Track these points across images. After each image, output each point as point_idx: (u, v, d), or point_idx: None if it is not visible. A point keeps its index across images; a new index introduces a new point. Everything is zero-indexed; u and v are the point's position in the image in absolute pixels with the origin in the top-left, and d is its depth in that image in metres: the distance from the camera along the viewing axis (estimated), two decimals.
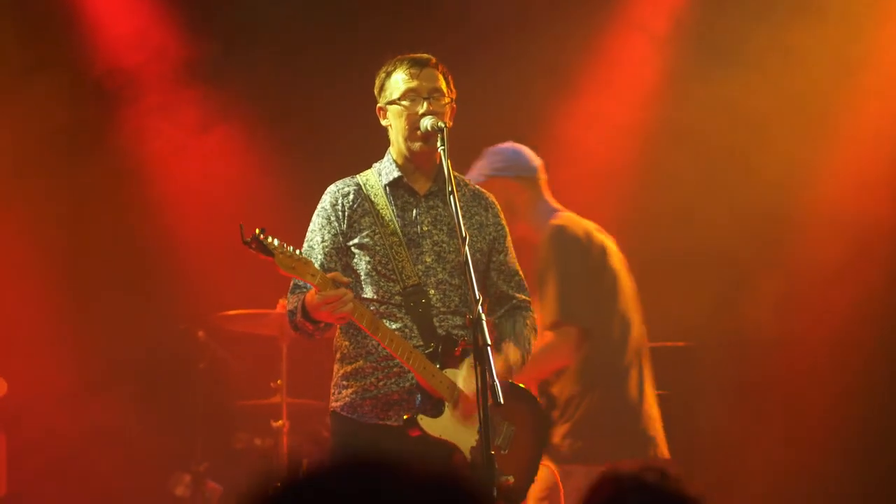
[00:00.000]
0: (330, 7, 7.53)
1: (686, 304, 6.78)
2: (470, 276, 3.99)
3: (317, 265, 4.18)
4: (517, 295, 4.54)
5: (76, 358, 7.11)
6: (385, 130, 4.48)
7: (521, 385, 4.52)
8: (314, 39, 7.44)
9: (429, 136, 4.30)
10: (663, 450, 5.33)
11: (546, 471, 5.21)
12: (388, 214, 4.36)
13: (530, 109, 7.37)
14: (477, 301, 3.93)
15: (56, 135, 7.17)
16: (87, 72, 7.31)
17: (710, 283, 6.96)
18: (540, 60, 7.35)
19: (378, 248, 4.32)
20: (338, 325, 4.35)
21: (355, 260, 4.34)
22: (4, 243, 7.08)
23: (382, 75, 4.44)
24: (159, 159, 7.43)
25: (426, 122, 4.28)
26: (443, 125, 4.24)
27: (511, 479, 4.20)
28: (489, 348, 3.87)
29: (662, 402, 5.56)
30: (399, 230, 4.35)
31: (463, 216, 4.23)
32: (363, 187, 4.41)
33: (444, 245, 4.38)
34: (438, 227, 4.39)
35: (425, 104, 4.32)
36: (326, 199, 4.41)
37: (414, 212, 4.40)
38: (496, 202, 4.60)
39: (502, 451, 4.29)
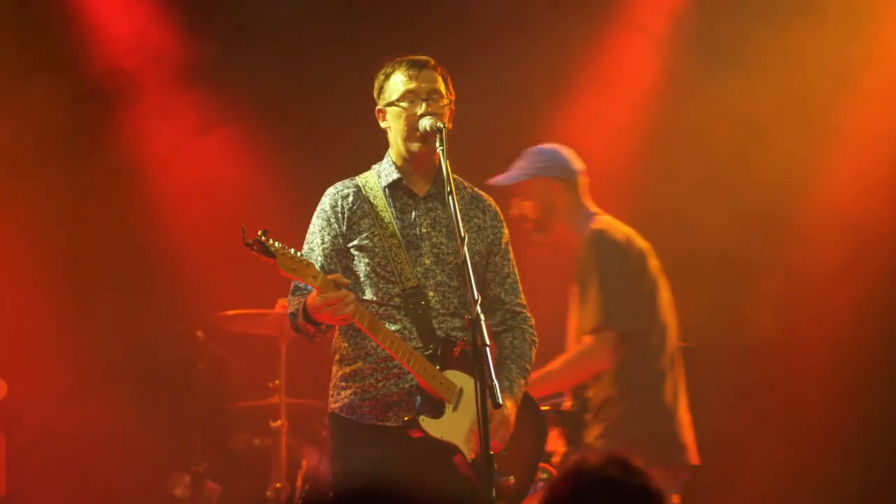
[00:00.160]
0: (329, 8, 7.53)
1: (686, 305, 6.76)
2: (468, 276, 3.99)
3: (317, 267, 4.17)
4: (511, 298, 4.51)
5: (75, 358, 7.11)
6: (384, 132, 4.48)
7: None
8: (314, 40, 7.44)
9: (427, 137, 4.30)
10: (693, 456, 5.32)
11: None
12: (388, 216, 4.36)
13: (530, 110, 7.38)
14: (475, 301, 3.93)
15: (56, 135, 7.18)
16: (87, 72, 7.31)
17: (709, 283, 6.96)
18: (540, 61, 7.35)
19: (377, 249, 4.32)
20: (337, 327, 4.35)
21: (355, 262, 4.34)
22: (4, 244, 7.08)
23: (381, 77, 4.44)
24: (159, 160, 7.44)
25: (425, 123, 4.28)
26: (441, 126, 4.24)
27: (511, 480, 4.21)
28: (487, 348, 3.87)
29: None
30: (398, 232, 4.35)
31: (461, 218, 4.23)
32: (362, 189, 4.41)
33: (442, 247, 4.37)
34: (437, 228, 4.39)
35: (424, 105, 4.32)
36: (326, 201, 4.41)
37: (413, 214, 4.40)
38: (495, 205, 4.60)
39: (503, 453, 4.29)
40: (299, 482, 6.71)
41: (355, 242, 4.34)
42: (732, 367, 7.03)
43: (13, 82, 7.06)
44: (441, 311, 4.31)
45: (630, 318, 5.28)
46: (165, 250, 7.39)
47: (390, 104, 4.38)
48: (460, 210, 4.31)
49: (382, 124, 4.45)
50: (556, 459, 5.43)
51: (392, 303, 4.30)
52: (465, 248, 4.03)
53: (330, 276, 4.06)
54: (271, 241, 3.94)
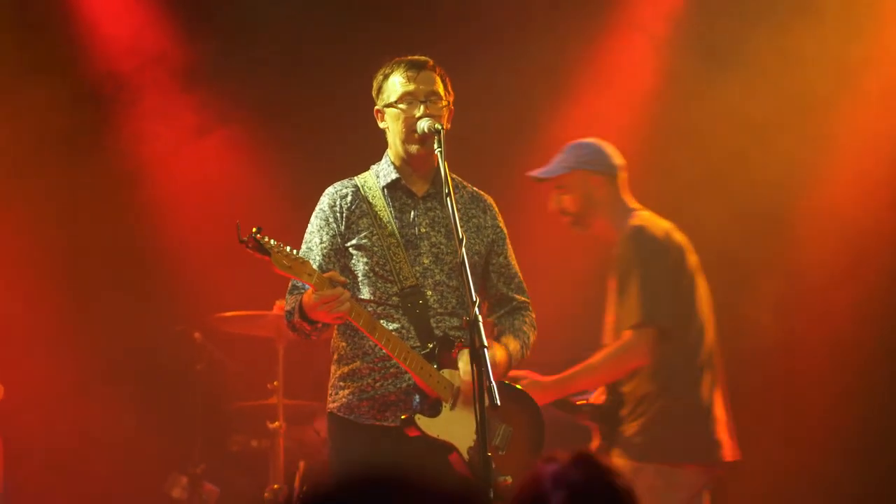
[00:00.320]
0: (329, 8, 7.52)
1: None
2: (466, 278, 3.98)
3: (315, 266, 4.17)
4: (517, 297, 4.54)
5: (73, 359, 7.10)
6: (383, 132, 4.47)
7: (519, 386, 4.52)
8: (313, 40, 7.44)
9: (425, 139, 4.30)
10: (728, 452, 5.31)
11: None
12: (386, 216, 4.36)
13: (530, 110, 7.37)
14: (473, 303, 3.92)
15: (55, 136, 7.17)
16: (86, 73, 7.31)
17: (709, 283, 6.94)
18: (539, 61, 7.35)
19: (376, 249, 4.32)
20: (335, 326, 4.34)
21: (353, 261, 4.34)
22: (3, 244, 7.07)
23: (380, 78, 4.44)
24: (157, 161, 7.44)
25: (423, 125, 4.29)
26: (439, 128, 4.25)
27: (509, 480, 4.20)
28: (486, 350, 3.86)
29: None
30: (397, 231, 4.35)
31: (461, 218, 4.23)
32: (361, 189, 4.41)
33: (441, 247, 4.37)
34: (436, 228, 4.39)
35: (422, 107, 4.32)
36: (325, 201, 4.41)
37: (412, 213, 4.40)
38: (494, 204, 4.59)
39: (500, 452, 4.29)
40: (297, 483, 6.70)
41: (354, 242, 4.34)
42: (732, 367, 7.00)
43: (13, 83, 7.06)
44: (439, 310, 4.31)
45: (669, 315, 5.27)
46: (164, 251, 7.39)
47: (389, 105, 4.39)
48: (460, 210, 4.32)
49: (381, 124, 4.46)
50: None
51: (390, 302, 4.30)
52: (463, 251, 4.02)
53: (326, 274, 4.06)
54: (266, 239, 3.94)
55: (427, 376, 4.18)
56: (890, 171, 6.90)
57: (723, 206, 7.02)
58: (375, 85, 4.46)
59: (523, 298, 4.57)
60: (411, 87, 4.35)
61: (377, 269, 4.31)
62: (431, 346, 4.23)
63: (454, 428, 4.20)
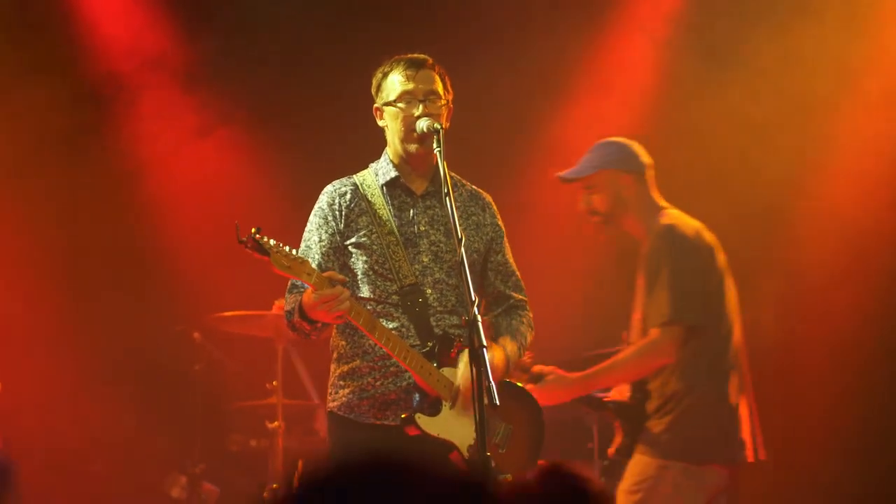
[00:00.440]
0: (329, 8, 7.52)
1: None
2: (466, 277, 3.98)
3: (314, 265, 4.17)
4: (515, 294, 4.54)
5: (73, 359, 7.10)
6: (382, 131, 4.47)
7: (519, 384, 4.51)
8: (313, 40, 7.44)
9: (424, 139, 4.29)
10: (751, 453, 5.31)
11: (640, 464, 5.21)
12: (385, 214, 4.35)
13: (530, 110, 7.37)
14: (473, 302, 3.91)
15: (55, 136, 7.17)
16: (86, 74, 7.31)
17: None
18: (539, 62, 7.34)
19: (375, 247, 4.31)
20: (334, 325, 4.33)
21: (352, 259, 4.33)
22: (2, 244, 7.07)
23: (379, 76, 4.43)
24: (157, 161, 7.44)
25: (422, 124, 4.28)
26: (438, 127, 4.24)
27: (509, 478, 4.20)
28: (485, 349, 3.85)
29: None
30: (396, 230, 4.34)
31: (460, 216, 4.23)
32: (360, 187, 4.40)
33: (441, 245, 4.37)
34: (435, 227, 4.38)
35: (421, 106, 4.31)
36: (323, 199, 4.41)
37: (411, 212, 4.39)
38: (493, 203, 4.59)
39: (500, 450, 4.28)
40: (296, 483, 6.70)
41: (353, 240, 4.33)
42: None
43: (13, 83, 7.06)
44: (439, 308, 4.31)
45: (697, 313, 5.26)
46: (163, 251, 7.39)
47: (388, 104, 4.38)
48: (459, 208, 4.31)
49: (380, 123, 4.45)
50: (611, 451, 5.43)
51: (390, 300, 4.29)
52: (463, 250, 4.01)
53: (325, 273, 4.05)
54: (265, 239, 3.93)
55: (427, 375, 4.18)
56: (890, 171, 6.90)
57: (723, 206, 7.01)
58: (374, 83, 4.45)
59: (520, 297, 4.56)
60: (410, 85, 4.34)
61: (376, 267, 4.31)
62: (431, 344, 4.23)
63: (454, 427, 4.19)
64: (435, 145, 4.21)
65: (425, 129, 4.27)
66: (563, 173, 5.61)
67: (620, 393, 5.47)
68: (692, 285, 5.29)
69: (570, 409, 6.55)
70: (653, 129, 7.15)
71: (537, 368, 5.26)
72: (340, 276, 4.09)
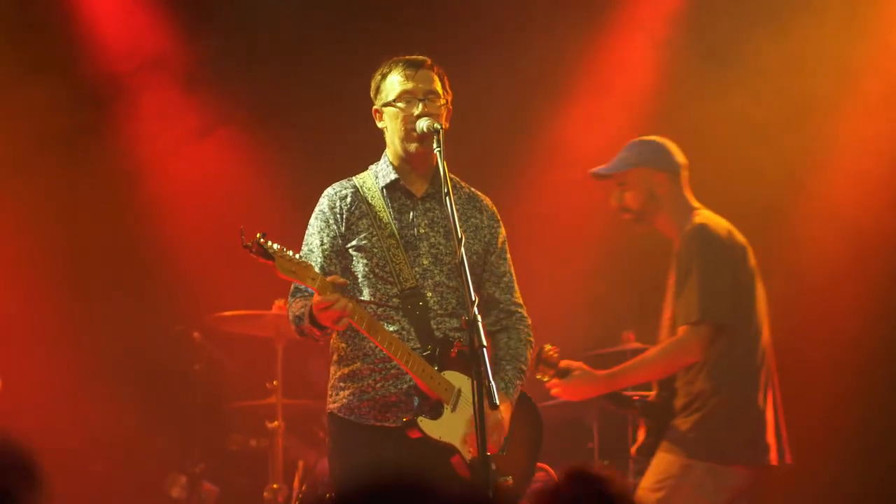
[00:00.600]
0: (329, 9, 7.51)
1: None
2: (466, 277, 3.98)
3: (317, 268, 4.16)
4: (504, 296, 4.49)
5: (73, 358, 7.09)
6: (382, 132, 4.46)
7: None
8: (313, 41, 7.44)
9: (424, 138, 4.29)
10: (773, 456, 5.30)
11: (664, 462, 5.21)
12: (386, 217, 4.35)
13: (529, 111, 7.37)
14: (473, 302, 3.91)
15: (55, 136, 7.17)
16: (86, 74, 7.30)
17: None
18: (539, 62, 7.34)
19: (376, 250, 4.31)
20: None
21: (353, 262, 4.33)
22: (2, 244, 7.07)
23: (378, 77, 4.43)
24: (157, 161, 7.44)
25: (422, 124, 4.27)
26: (438, 127, 4.24)
27: (510, 480, 4.20)
28: (485, 350, 3.85)
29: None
30: (396, 232, 4.34)
31: (459, 218, 4.22)
32: (360, 190, 4.40)
33: (440, 247, 4.36)
34: (435, 229, 4.38)
35: (421, 105, 4.31)
36: (324, 202, 4.40)
37: (411, 214, 4.39)
38: (492, 205, 4.58)
39: (500, 453, 4.27)
40: (296, 483, 6.71)
41: (354, 243, 4.33)
42: None
43: (13, 83, 7.05)
44: (439, 311, 4.30)
45: (726, 313, 5.27)
46: (163, 251, 7.39)
47: (387, 104, 4.37)
48: (457, 210, 4.30)
49: (379, 124, 4.45)
50: (634, 448, 5.44)
51: (390, 303, 4.28)
52: (462, 250, 4.01)
53: (328, 278, 4.04)
54: (270, 244, 3.93)
55: (428, 378, 4.17)
56: (890, 172, 6.90)
57: (723, 206, 6.99)
58: (374, 84, 4.45)
59: (513, 300, 4.51)
60: (410, 85, 4.34)
61: (377, 270, 4.31)
62: (432, 348, 4.22)
63: (455, 430, 4.19)
64: (435, 145, 4.21)
65: (425, 129, 4.26)
66: (596, 169, 5.62)
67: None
68: (721, 285, 5.29)
69: (570, 409, 6.56)
70: (653, 129, 7.13)
71: (564, 363, 5.27)
72: (342, 281, 4.08)
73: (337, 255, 4.33)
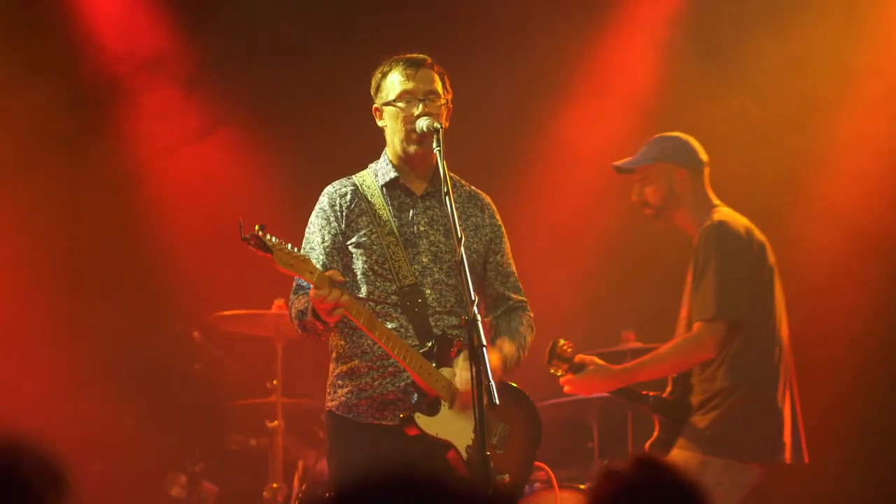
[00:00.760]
0: (329, 9, 7.51)
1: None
2: (465, 276, 3.98)
3: (318, 265, 4.16)
4: (513, 296, 4.53)
5: (73, 358, 7.09)
6: (382, 131, 4.46)
7: (514, 384, 4.50)
8: (313, 41, 7.43)
9: (424, 138, 4.29)
10: (788, 455, 5.30)
11: (681, 458, 5.21)
12: (385, 214, 4.35)
13: (529, 111, 7.37)
14: (472, 302, 3.91)
15: (54, 136, 7.17)
16: (86, 74, 7.30)
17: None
18: (539, 62, 7.34)
19: (375, 247, 4.31)
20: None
21: (353, 259, 4.33)
22: (2, 244, 7.07)
23: (378, 76, 4.43)
24: (157, 161, 7.44)
25: (422, 124, 4.27)
26: (438, 126, 4.24)
27: (507, 478, 4.20)
28: (484, 349, 3.85)
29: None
30: (396, 230, 4.34)
31: (459, 217, 4.22)
32: (360, 187, 4.40)
33: (440, 245, 4.37)
34: (435, 227, 4.38)
35: (421, 106, 4.30)
36: (325, 200, 4.40)
37: (411, 212, 4.39)
38: (492, 203, 4.59)
39: (497, 451, 4.28)
40: (296, 482, 6.71)
41: (354, 240, 4.33)
42: None
43: (13, 83, 7.06)
44: (438, 309, 4.31)
45: (741, 310, 5.26)
46: (163, 251, 7.39)
47: (387, 104, 4.37)
48: (458, 209, 4.30)
49: (379, 123, 4.45)
50: (648, 445, 5.45)
51: (389, 300, 4.28)
52: (462, 249, 4.01)
53: (327, 273, 4.04)
54: (268, 237, 3.92)
55: (426, 375, 4.18)
56: (891, 172, 6.90)
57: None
58: (374, 83, 4.45)
59: (520, 297, 4.55)
60: (410, 85, 4.34)
61: (376, 267, 4.31)
62: (430, 344, 4.22)
63: (453, 427, 4.19)
64: (435, 144, 4.21)
65: (425, 129, 4.26)
66: (618, 163, 5.62)
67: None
68: (738, 282, 5.28)
69: (570, 409, 6.56)
70: (653, 129, 7.14)
71: (579, 358, 5.27)
72: (341, 279, 4.07)
73: (338, 251, 4.33)
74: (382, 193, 4.40)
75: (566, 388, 5.32)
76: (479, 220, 4.50)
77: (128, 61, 7.37)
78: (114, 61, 7.35)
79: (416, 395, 4.21)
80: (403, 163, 4.40)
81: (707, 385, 5.29)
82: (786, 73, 7.03)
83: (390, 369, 4.25)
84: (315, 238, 4.36)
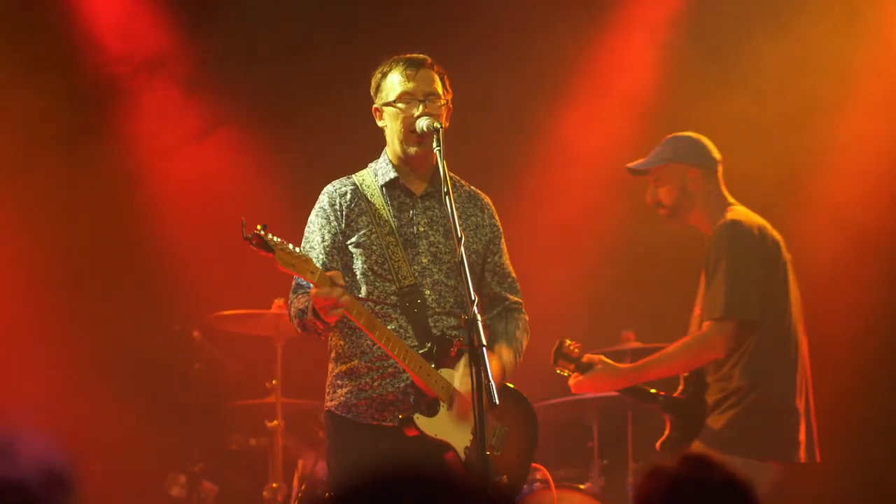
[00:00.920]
0: (329, 9, 7.51)
1: (686, 305, 6.76)
2: (465, 276, 3.98)
3: (319, 264, 4.16)
4: (510, 296, 4.52)
5: (72, 358, 7.09)
6: (381, 131, 4.46)
7: (511, 385, 4.50)
8: (313, 41, 7.43)
9: (424, 138, 4.29)
10: (802, 454, 5.30)
11: None
12: (385, 214, 4.35)
13: (529, 111, 7.36)
14: (472, 301, 3.91)
15: (54, 136, 7.17)
16: (86, 74, 7.30)
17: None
18: (539, 63, 7.34)
19: (375, 247, 4.31)
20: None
21: (352, 259, 4.33)
22: (2, 244, 7.07)
23: (378, 76, 4.43)
24: (157, 161, 7.43)
25: (422, 124, 4.27)
26: (438, 126, 4.24)
27: (505, 479, 4.20)
28: (484, 349, 3.85)
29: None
30: (395, 230, 4.34)
31: (458, 217, 4.22)
32: (360, 187, 4.40)
33: (440, 246, 4.37)
34: (434, 228, 4.38)
35: (421, 106, 4.31)
36: (324, 199, 4.40)
37: (410, 213, 4.39)
38: (492, 203, 4.59)
39: (495, 452, 4.28)
40: (296, 482, 6.70)
41: (353, 240, 4.33)
42: None
43: (12, 83, 7.05)
44: (437, 309, 4.31)
45: (751, 309, 5.24)
46: (163, 251, 7.38)
47: (387, 104, 4.37)
48: (457, 209, 4.30)
49: (379, 123, 4.45)
50: (658, 444, 5.43)
51: (388, 301, 4.28)
52: (462, 249, 4.01)
53: (328, 273, 4.04)
54: (270, 236, 3.92)
55: (426, 376, 4.17)
56: (891, 171, 6.90)
57: None
58: (374, 83, 4.45)
59: (516, 298, 4.54)
60: (410, 85, 4.34)
61: (375, 267, 4.31)
62: (429, 345, 4.22)
63: (451, 428, 4.19)
64: (435, 144, 4.21)
65: (425, 129, 4.26)
66: (632, 164, 5.61)
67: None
68: (748, 282, 5.27)
69: (570, 409, 6.56)
70: (653, 130, 7.15)
71: (587, 358, 5.26)
72: (341, 282, 4.06)
73: (338, 251, 4.33)
74: (382, 193, 4.40)
75: (574, 388, 5.31)
76: (478, 220, 4.50)
77: (128, 61, 7.37)
78: (114, 61, 7.34)
79: (414, 396, 4.21)
80: (403, 163, 4.40)
81: (723, 384, 5.28)
82: (786, 73, 7.02)
83: (390, 370, 4.25)
84: (315, 237, 4.35)
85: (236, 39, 7.43)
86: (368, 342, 4.24)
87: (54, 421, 7.05)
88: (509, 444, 4.35)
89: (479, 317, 3.91)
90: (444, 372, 4.22)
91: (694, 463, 2.28)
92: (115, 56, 7.35)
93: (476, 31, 7.31)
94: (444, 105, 4.37)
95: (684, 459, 2.29)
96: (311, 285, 4.03)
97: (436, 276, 4.33)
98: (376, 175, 4.42)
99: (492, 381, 3.84)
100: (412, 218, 4.38)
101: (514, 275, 4.56)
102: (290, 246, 3.97)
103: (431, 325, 4.28)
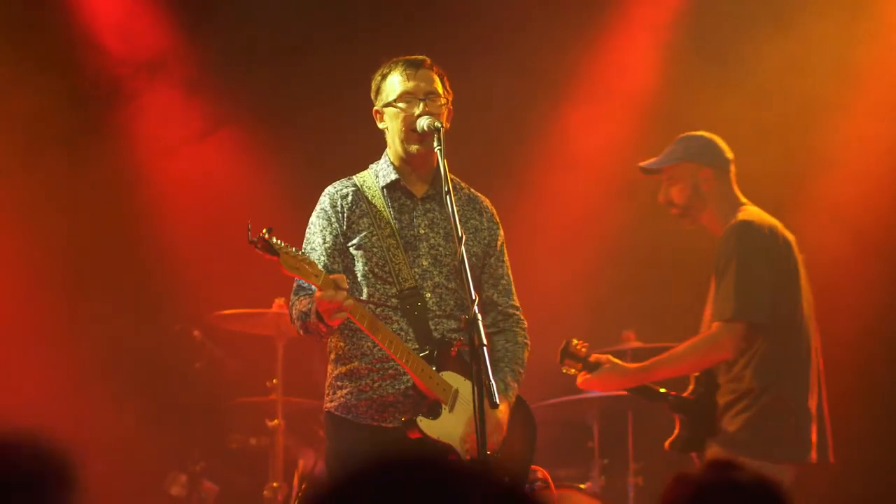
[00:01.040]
0: (329, 9, 7.52)
1: (686, 305, 6.76)
2: (466, 275, 3.98)
3: (320, 266, 4.16)
4: (503, 300, 4.49)
5: (73, 358, 7.09)
6: (382, 133, 4.46)
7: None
8: (313, 41, 7.43)
9: (425, 138, 4.29)
10: (815, 454, 5.30)
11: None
12: (386, 216, 4.35)
13: (530, 112, 7.37)
14: (473, 301, 3.91)
15: (54, 136, 7.16)
16: (86, 74, 7.30)
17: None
18: (539, 63, 7.34)
19: (375, 249, 4.31)
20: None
21: (353, 261, 4.33)
22: (2, 244, 7.07)
23: (378, 78, 4.43)
24: (157, 161, 7.43)
25: (422, 123, 4.28)
26: (439, 125, 4.24)
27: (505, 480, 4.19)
28: (485, 348, 3.85)
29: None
30: (396, 232, 4.34)
31: (459, 219, 4.21)
32: (361, 189, 4.40)
33: (440, 248, 4.36)
34: (435, 230, 4.38)
35: (422, 105, 4.31)
36: (325, 201, 4.40)
37: (411, 214, 4.39)
38: (491, 206, 4.58)
39: (495, 455, 4.27)
40: (296, 481, 6.71)
41: (354, 241, 4.33)
42: None
43: (12, 83, 7.05)
44: (438, 312, 4.30)
45: (761, 311, 5.23)
46: (163, 250, 7.39)
47: (388, 105, 4.37)
48: (458, 211, 4.29)
49: (380, 125, 4.45)
50: (666, 443, 5.43)
51: (389, 303, 4.28)
52: (463, 249, 4.01)
53: (332, 276, 4.03)
54: (275, 240, 3.92)
55: (427, 378, 4.18)
56: (892, 172, 6.90)
57: None
58: (374, 86, 4.45)
59: (511, 302, 4.51)
60: (410, 85, 4.34)
61: (376, 269, 4.31)
62: (430, 349, 4.22)
63: (453, 430, 4.19)
64: (435, 143, 4.21)
65: (426, 128, 4.26)
66: (644, 163, 5.61)
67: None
68: (758, 283, 5.26)
69: (570, 409, 6.56)
70: (654, 130, 7.15)
71: (594, 357, 5.26)
72: (345, 284, 4.05)
73: (339, 253, 4.33)
74: (383, 195, 4.40)
75: (582, 385, 5.31)
76: (477, 223, 4.49)
77: (128, 62, 7.37)
78: (114, 62, 7.35)
79: (416, 398, 4.21)
80: (404, 164, 4.40)
81: (734, 385, 5.27)
82: (787, 73, 7.03)
83: (390, 371, 4.25)
84: (316, 239, 4.35)
85: (236, 39, 7.43)
86: (369, 344, 4.24)
87: (54, 421, 7.06)
88: (509, 446, 4.34)
89: (479, 316, 3.91)
90: (446, 374, 4.22)
91: (720, 468, 2.27)
92: (116, 56, 7.35)
93: (476, 31, 7.31)
94: (444, 105, 4.37)
95: (709, 465, 2.28)
96: (314, 287, 4.03)
97: (436, 279, 4.33)
98: (377, 176, 4.42)
99: (492, 382, 3.84)
100: (413, 220, 4.38)
101: (510, 277, 4.53)
102: (294, 249, 3.97)
103: (432, 327, 4.28)
